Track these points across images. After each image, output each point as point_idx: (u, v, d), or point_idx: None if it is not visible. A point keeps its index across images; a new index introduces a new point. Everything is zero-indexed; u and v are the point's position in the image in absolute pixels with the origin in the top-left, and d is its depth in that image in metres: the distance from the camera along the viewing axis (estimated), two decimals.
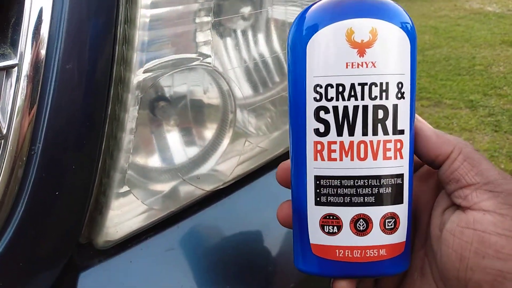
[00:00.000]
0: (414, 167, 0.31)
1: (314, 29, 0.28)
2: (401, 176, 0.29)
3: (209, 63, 0.42)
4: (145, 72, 0.37)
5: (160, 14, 0.37)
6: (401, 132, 0.28)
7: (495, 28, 4.08)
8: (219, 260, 0.43)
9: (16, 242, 0.32)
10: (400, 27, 0.28)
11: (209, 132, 0.47)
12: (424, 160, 0.30)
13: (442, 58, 3.31)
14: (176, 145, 0.44)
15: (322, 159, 0.28)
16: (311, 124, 0.28)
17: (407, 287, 0.31)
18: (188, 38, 0.39)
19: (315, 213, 0.29)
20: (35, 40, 0.30)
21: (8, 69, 0.30)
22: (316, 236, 0.29)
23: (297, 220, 0.30)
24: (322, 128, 0.28)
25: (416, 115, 0.30)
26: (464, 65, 3.15)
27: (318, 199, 0.29)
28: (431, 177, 0.32)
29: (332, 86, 0.28)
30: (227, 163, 0.47)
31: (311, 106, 0.28)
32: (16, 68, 0.30)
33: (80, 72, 0.32)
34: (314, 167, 0.29)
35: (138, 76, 0.36)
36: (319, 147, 0.28)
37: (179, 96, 0.43)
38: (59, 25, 0.31)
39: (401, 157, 0.28)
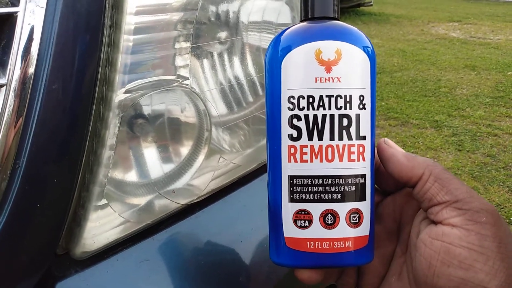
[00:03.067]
0: (401, 185, 0.34)
1: (288, 49, 0.32)
2: (363, 176, 0.33)
3: (187, 84, 0.45)
4: (126, 92, 0.39)
5: (142, 39, 0.40)
6: (363, 137, 0.32)
7: (459, 53, 4.32)
8: (193, 271, 0.45)
9: None
10: (361, 49, 0.33)
11: (185, 149, 0.49)
12: (400, 180, 0.33)
13: (409, 80, 3.46)
14: (153, 160, 0.46)
15: (295, 160, 0.32)
16: (286, 130, 0.32)
17: (388, 285, 0.34)
18: (168, 61, 0.42)
19: (289, 209, 0.32)
20: (24, 60, 0.32)
21: None
22: (290, 230, 0.32)
23: (273, 216, 0.33)
24: (295, 134, 0.32)
25: (388, 140, 0.34)
26: (430, 87, 3.31)
27: (291, 196, 0.32)
28: None
29: (303, 97, 0.32)
30: (202, 178, 0.50)
31: (285, 114, 0.32)
32: (4, 87, 0.32)
33: (65, 91, 0.35)
34: (288, 168, 0.32)
35: (119, 96, 0.39)
36: (292, 150, 0.32)
37: (157, 114, 0.45)
38: (48, 46, 0.33)
39: (364, 160, 0.32)
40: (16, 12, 0.31)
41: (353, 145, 0.32)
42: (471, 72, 3.67)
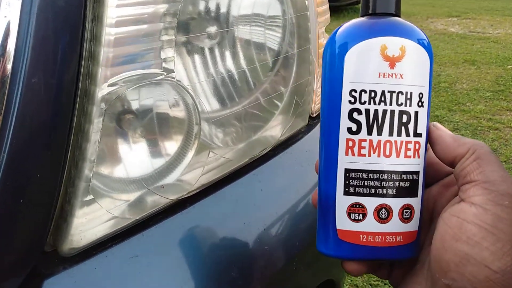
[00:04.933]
0: (440, 176, 0.35)
1: (352, 42, 0.33)
2: (417, 173, 0.33)
3: (173, 77, 0.44)
4: (109, 86, 0.39)
5: (125, 32, 0.39)
6: (420, 135, 0.33)
7: (458, 47, 4.30)
8: (183, 268, 0.45)
9: None
10: (423, 47, 0.33)
11: (174, 144, 0.49)
12: (445, 162, 0.33)
13: None
14: (142, 156, 0.46)
15: (353, 154, 0.32)
16: (345, 123, 0.33)
17: (412, 274, 0.35)
18: (151, 54, 0.42)
19: (343, 201, 0.33)
20: (2, 55, 0.32)
21: None
22: (343, 222, 0.33)
23: (324, 208, 0.34)
24: (354, 127, 0.32)
25: (436, 124, 0.34)
26: None
27: (346, 189, 0.33)
28: (453, 185, 0.35)
29: (365, 92, 0.32)
30: (192, 173, 0.49)
31: (345, 107, 0.33)
32: None
33: (45, 85, 0.34)
34: (345, 161, 0.33)
35: (103, 90, 0.38)
36: (350, 143, 0.32)
37: (145, 109, 0.45)
38: (25, 40, 0.33)
39: (418, 157, 0.33)
40: None
41: (410, 142, 0.32)
42: (471, 67, 3.66)
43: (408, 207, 0.33)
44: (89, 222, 0.40)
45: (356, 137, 0.32)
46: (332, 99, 0.33)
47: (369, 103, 0.32)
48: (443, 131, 0.34)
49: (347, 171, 0.32)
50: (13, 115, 0.32)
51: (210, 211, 0.50)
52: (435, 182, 0.36)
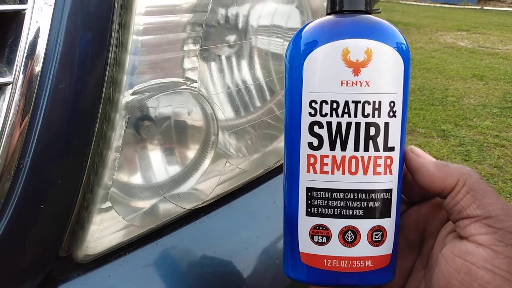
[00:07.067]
0: (428, 196, 0.32)
1: (311, 46, 0.29)
2: (389, 191, 0.30)
3: (195, 87, 0.44)
4: (133, 94, 0.39)
5: (151, 40, 0.39)
6: (392, 149, 0.29)
7: (467, 62, 4.29)
8: (195, 278, 0.44)
9: None
10: (395, 48, 0.29)
11: (191, 152, 0.49)
12: (430, 192, 0.30)
13: (416, 88, 3.45)
14: (159, 163, 0.46)
15: (315, 171, 0.29)
16: (305, 137, 0.30)
17: None
18: (176, 63, 0.42)
19: (305, 223, 0.30)
20: (31, 59, 0.32)
21: (2, 87, 0.31)
22: (306, 245, 0.30)
23: (288, 229, 0.31)
24: (315, 142, 0.29)
25: (414, 148, 0.31)
26: (437, 95, 3.29)
27: (309, 209, 0.30)
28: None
29: (326, 103, 0.29)
30: (207, 183, 0.49)
31: (306, 120, 0.29)
32: (10, 85, 0.31)
33: (71, 91, 0.34)
34: (307, 179, 0.30)
35: (126, 97, 0.38)
36: (312, 160, 0.29)
37: (164, 117, 0.45)
38: (55, 46, 0.33)
39: (391, 173, 0.30)
40: (24, 10, 0.31)
41: (379, 157, 0.29)
42: (479, 82, 3.65)
43: (378, 229, 0.30)
44: (105, 229, 0.40)
45: (317, 153, 0.29)
46: (292, 110, 0.30)
47: (331, 115, 0.29)
48: (424, 158, 0.30)
49: (309, 189, 0.29)
50: (39, 120, 0.32)
51: (223, 221, 0.50)
52: (425, 200, 0.33)
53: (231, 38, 0.53)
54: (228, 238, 0.50)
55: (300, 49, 0.30)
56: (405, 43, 0.30)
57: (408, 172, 0.31)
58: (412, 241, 0.33)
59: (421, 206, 0.33)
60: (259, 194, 0.55)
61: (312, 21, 0.31)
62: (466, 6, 9.20)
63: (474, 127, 2.70)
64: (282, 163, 0.59)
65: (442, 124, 2.74)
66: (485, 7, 9.09)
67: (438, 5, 9.45)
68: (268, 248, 0.52)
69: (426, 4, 9.51)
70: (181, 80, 0.43)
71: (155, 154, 0.45)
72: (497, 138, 2.55)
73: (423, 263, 0.32)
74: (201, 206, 0.48)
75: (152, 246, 0.43)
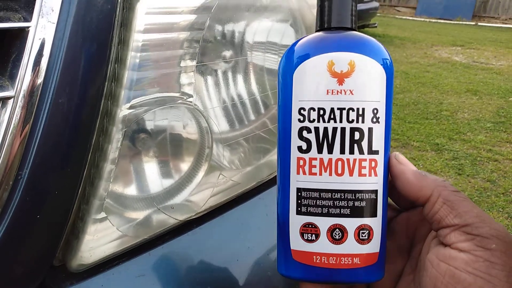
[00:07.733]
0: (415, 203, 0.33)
1: (301, 59, 0.32)
2: (375, 192, 0.32)
3: (191, 102, 0.46)
4: (130, 108, 0.40)
5: (149, 56, 0.40)
6: (376, 152, 0.32)
7: (461, 77, 4.35)
8: None
9: None
10: (377, 60, 0.32)
11: (185, 165, 0.50)
12: (407, 198, 0.33)
13: (411, 102, 3.48)
14: (154, 175, 0.47)
15: (304, 173, 0.32)
16: (295, 142, 0.32)
17: None
18: (173, 79, 0.43)
19: (296, 221, 0.32)
20: (33, 73, 0.33)
21: (4, 100, 0.32)
22: (296, 243, 0.32)
23: (280, 228, 0.34)
24: (304, 146, 0.32)
25: (399, 156, 0.33)
26: (432, 110, 3.33)
27: (299, 209, 0.32)
28: None
29: (314, 110, 0.32)
30: (200, 195, 0.50)
31: (295, 126, 0.32)
32: (12, 99, 0.32)
33: (71, 105, 0.35)
34: (297, 180, 0.32)
35: (123, 111, 0.39)
36: (301, 162, 0.32)
37: (159, 130, 0.46)
38: (56, 61, 0.34)
39: (376, 175, 0.32)
40: (28, 27, 0.32)
41: (364, 160, 0.32)
42: (473, 97, 3.70)
43: (365, 227, 0.32)
44: (99, 239, 0.41)
45: (306, 156, 0.32)
46: (283, 117, 0.33)
47: (318, 121, 0.32)
48: (405, 165, 0.33)
49: (299, 190, 0.32)
50: (38, 133, 0.33)
51: (215, 233, 0.51)
52: (414, 207, 0.35)
53: (227, 54, 0.54)
54: (220, 249, 0.50)
55: (291, 62, 0.33)
56: (387, 56, 0.33)
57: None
58: (402, 246, 0.35)
59: (410, 213, 0.35)
60: (251, 206, 0.56)
61: (303, 37, 0.34)
62: (461, 22, 9.34)
63: (467, 141, 2.73)
64: (275, 176, 0.60)
65: (436, 138, 2.76)
66: (479, 23, 9.24)
67: (434, 20, 9.60)
68: (260, 259, 0.53)
69: (422, 19, 9.66)
70: (177, 94, 0.44)
71: (150, 166, 0.46)
72: (491, 152, 2.58)
73: (412, 267, 0.34)
74: (194, 217, 0.49)
75: (145, 256, 0.44)
